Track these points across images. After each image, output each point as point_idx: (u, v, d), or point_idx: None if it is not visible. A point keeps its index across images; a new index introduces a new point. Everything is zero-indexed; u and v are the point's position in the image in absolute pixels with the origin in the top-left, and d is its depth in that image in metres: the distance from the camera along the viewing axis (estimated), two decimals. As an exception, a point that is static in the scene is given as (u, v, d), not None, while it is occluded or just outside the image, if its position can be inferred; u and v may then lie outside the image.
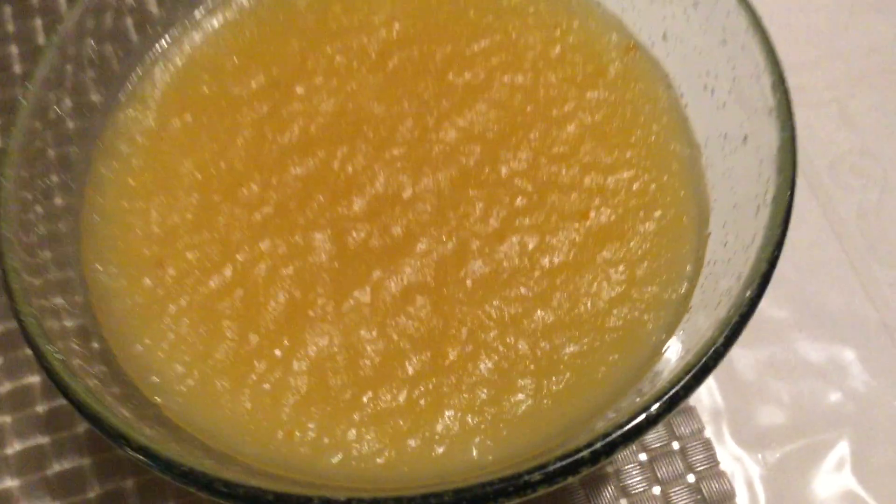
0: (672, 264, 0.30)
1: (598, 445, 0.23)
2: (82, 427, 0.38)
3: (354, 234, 0.31)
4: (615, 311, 0.29)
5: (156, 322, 0.30)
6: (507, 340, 0.29)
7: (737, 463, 0.38)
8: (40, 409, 0.39)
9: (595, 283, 0.30)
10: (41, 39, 0.49)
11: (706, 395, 0.39)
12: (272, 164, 0.33)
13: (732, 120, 0.31)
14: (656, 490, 0.36)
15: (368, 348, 0.29)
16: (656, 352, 0.29)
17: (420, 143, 0.33)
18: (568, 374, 0.28)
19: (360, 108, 0.34)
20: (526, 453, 0.27)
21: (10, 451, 0.38)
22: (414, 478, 0.27)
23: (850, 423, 0.38)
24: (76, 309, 0.30)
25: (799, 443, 0.38)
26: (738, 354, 0.40)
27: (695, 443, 0.37)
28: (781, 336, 0.41)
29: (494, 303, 0.30)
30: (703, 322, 0.28)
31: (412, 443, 0.27)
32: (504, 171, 0.32)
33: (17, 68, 0.49)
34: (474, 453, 0.27)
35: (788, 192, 0.26)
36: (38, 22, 0.50)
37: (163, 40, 0.36)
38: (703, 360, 0.25)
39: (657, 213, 0.31)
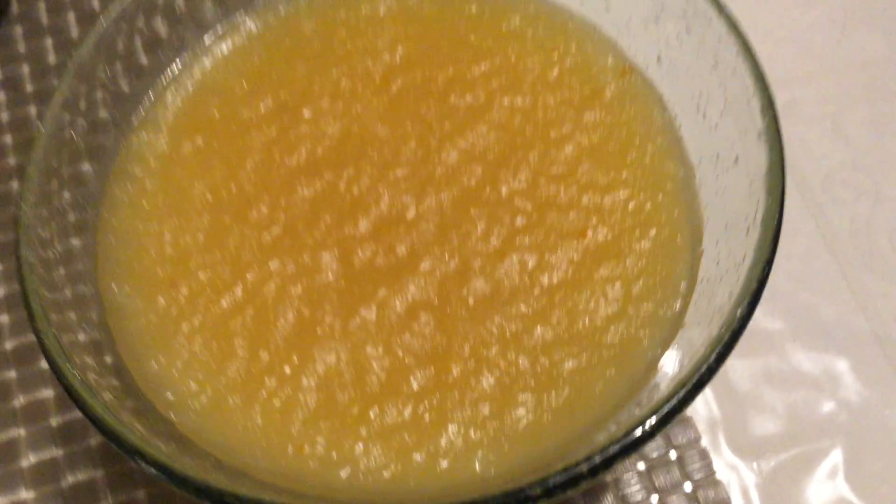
0: (667, 282, 0.31)
1: (597, 459, 0.24)
2: (95, 440, 0.39)
3: (360, 253, 0.32)
4: (612, 328, 0.30)
5: (170, 340, 0.31)
6: (508, 357, 0.30)
7: (732, 471, 0.39)
8: (54, 422, 0.40)
9: (592, 301, 0.31)
10: (52, 59, 0.51)
11: (703, 405, 0.40)
12: (280, 185, 0.34)
13: (724, 141, 0.32)
14: (654, 499, 0.37)
15: (374, 364, 0.30)
16: (652, 367, 0.30)
17: (423, 164, 0.34)
18: (567, 390, 0.29)
19: (365, 130, 0.35)
20: (527, 467, 0.28)
21: (25, 463, 0.39)
22: (419, 491, 0.28)
23: (842, 431, 0.39)
24: (91, 326, 0.31)
25: (793, 451, 0.39)
26: (734, 365, 0.41)
27: (692, 452, 0.38)
28: (776, 347, 0.42)
29: (496, 320, 0.31)
30: (697, 338, 0.29)
31: (417, 457, 0.28)
32: (504, 190, 0.33)
33: (29, 87, 0.50)
34: (477, 467, 0.28)
35: (777, 215, 0.27)
36: (49, 41, 0.51)
37: (174, 65, 0.37)
38: (697, 376, 0.26)
39: (652, 232, 0.32)
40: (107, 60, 0.34)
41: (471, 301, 0.31)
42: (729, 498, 0.37)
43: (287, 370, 0.30)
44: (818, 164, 0.47)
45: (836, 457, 0.39)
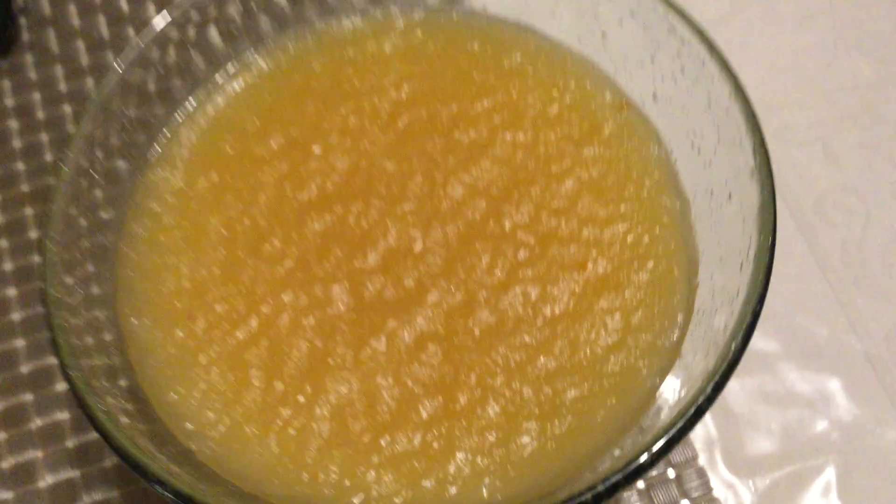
0: (664, 313, 0.33)
1: (600, 488, 0.26)
2: (110, 461, 0.40)
3: (370, 285, 0.34)
4: (612, 358, 0.32)
5: (188, 371, 0.32)
6: (513, 386, 0.31)
7: (729, 489, 0.40)
8: (70, 443, 0.41)
9: (593, 331, 0.32)
10: (63, 86, 0.52)
11: (700, 425, 0.41)
12: (292, 220, 0.35)
13: (718, 177, 0.33)
14: (653, 517, 0.39)
15: (385, 394, 0.31)
16: (651, 396, 0.31)
17: (429, 199, 0.35)
18: (570, 418, 0.31)
19: (373, 165, 0.36)
20: (532, 493, 0.29)
21: (42, 484, 0.40)
22: (430, 518, 0.29)
23: (835, 450, 0.41)
24: (113, 357, 0.32)
25: (787, 469, 0.40)
26: (730, 386, 0.42)
27: (689, 470, 0.40)
28: (770, 367, 0.43)
29: (501, 350, 0.32)
30: (694, 368, 0.30)
31: (427, 484, 0.30)
32: (507, 224, 0.35)
33: (40, 114, 0.51)
34: (485, 493, 0.29)
35: (769, 253, 0.29)
36: (59, 69, 0.52)
37: (187, 103, 0.38)
38: (695, 406, 0.27)
39: (650, 264, 0.34)
40: (123, 101, 0.36)
41: (476, 332, 0.32)
42: (725, 516, 0.39)
43: (301, 399, 0.32)
44: (810, 186, 0.48)
45: (829, 474, 0.40)
